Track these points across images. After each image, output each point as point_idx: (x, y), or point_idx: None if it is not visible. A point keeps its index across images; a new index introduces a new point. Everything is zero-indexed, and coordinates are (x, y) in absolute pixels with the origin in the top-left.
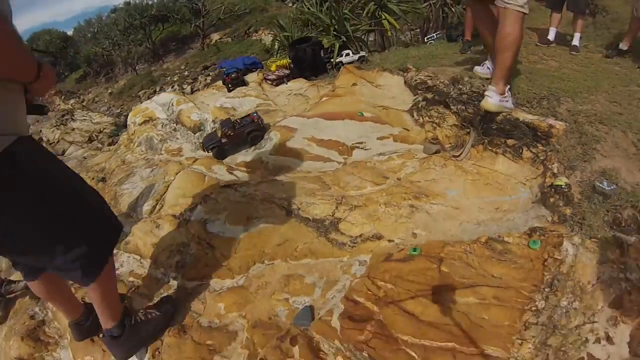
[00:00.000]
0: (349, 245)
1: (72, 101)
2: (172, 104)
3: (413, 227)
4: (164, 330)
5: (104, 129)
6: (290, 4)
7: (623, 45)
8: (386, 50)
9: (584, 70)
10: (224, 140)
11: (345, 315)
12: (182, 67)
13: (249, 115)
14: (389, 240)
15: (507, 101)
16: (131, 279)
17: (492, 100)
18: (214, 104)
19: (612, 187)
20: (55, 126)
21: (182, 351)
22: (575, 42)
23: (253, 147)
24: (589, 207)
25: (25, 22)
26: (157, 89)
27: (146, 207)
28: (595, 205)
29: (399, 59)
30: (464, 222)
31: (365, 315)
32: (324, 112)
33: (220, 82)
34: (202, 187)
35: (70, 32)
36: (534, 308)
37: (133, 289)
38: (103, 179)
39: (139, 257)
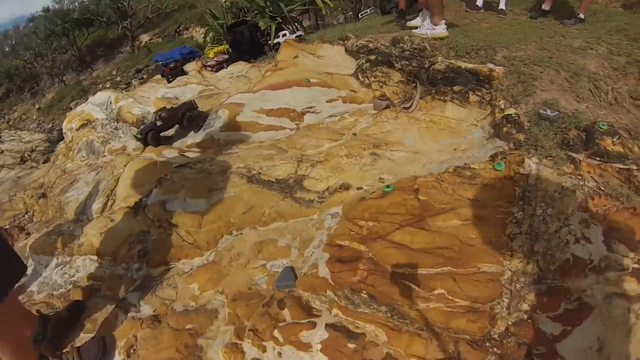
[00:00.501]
0: (317, 202)
1: None
2: (111, 102)
3: (379, 173)
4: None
5: (37, 147)
6: None
7: (545, 6)
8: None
9: (513, 28)
10: (158, 124)
11: (334, 259)
12: (114, 72)
13: (184, 103)
14: (358, 188)
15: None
16: (90, 282)
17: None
18: (155, 96)
19: (555, 113)
20: None
21: (160, 342)
22: (502, 6)
23: (203, 129)
24: (539, 131)
25: None
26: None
27: (96, 206)
28: (544, 130)
29: (337, 33)
30: (427, 163)
31: (354, 255)
32: (269, 84)
33: (158, 76)
34: (155, 172)
35: None
36: (514, 220)
37: (95, 292)
38: (43, 195)
39: (95, 258)
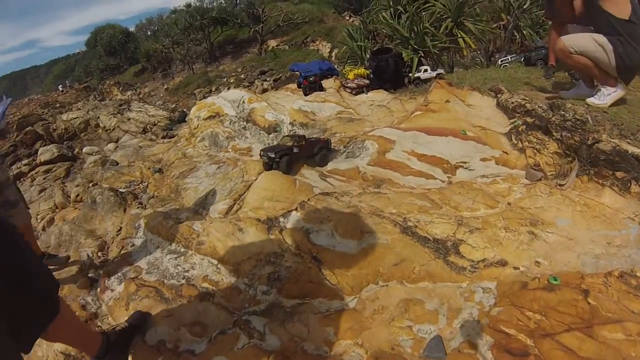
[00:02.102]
0: (469, 270)
1: (129, 93)
2: (244, 102)
3: (535, 255)
4: (136, 335)
5: (159, 122)
6: (347, 17)
7: None
8: (454, 70)
9: None
10: (295, 150)
11: (502, 348)
12: (239, 69)
13: (310, 138)
14: (514, 268)
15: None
16: (205, 285)
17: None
18: (291, 106)
19: None
20: (112, 114)
21: None
22: None
23: (345, 156)
24: None
25: (88, 17)
26: (213, 89)
27: (221, 206)
28: None
29: (479, 79)
30: (581, 254)
31: (522, 349)
32: (423, 127)
33: (292, 85)
34: (293, 192)
35: (132, 29)
36: None
37: (209, 296)
38: (160, 170)
39: (215, 262)
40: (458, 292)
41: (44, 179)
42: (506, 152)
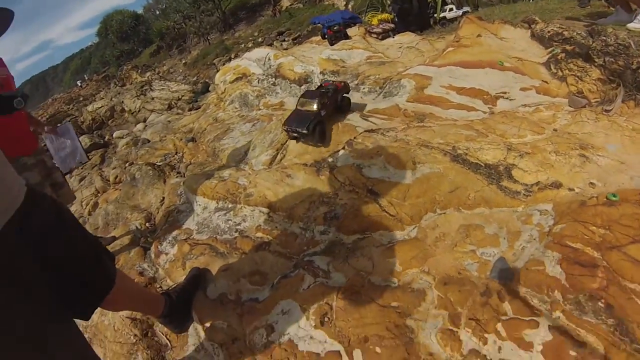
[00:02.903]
0: (523, 194)
1: (148, 74)
2: (269, 59)
3: (588, 177)
4: (196, 291)
5: (182, 96)
6: None
7: None
8: (479, 8)
9: None
10: (323, 113)
11: (571, 261)
12: (255, 34)
13: (321, 85)
14: (569, 189)
15: None
16: (259, 234)
17: None
18: (319, 56)
19: None
20: (135, 97)
21: (364, 316)
22: None
23: (383, 96)
24: None
25: (94, 9)
26: (232, 56)
27: (264, 157)
28: None
29: (508, 13)
30: (634, 176)
31: (591, 261)
32: (458, 61)
33: (316, 38)
34: (337, 133)
35: (140, 11)
36: None
37: (264, 245)
38: (193, 139)
39: (266, 210)
40: (515, 216)
41: (81, 168)
42: (546, 82)
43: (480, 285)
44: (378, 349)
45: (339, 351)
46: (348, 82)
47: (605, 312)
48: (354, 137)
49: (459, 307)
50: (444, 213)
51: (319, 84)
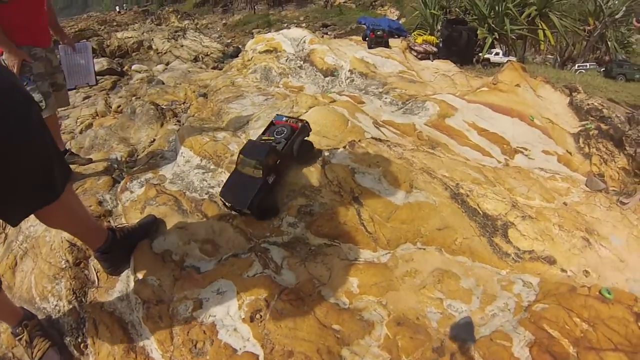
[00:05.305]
0: (512, 258)
1: (186, 22)
2: (305, 41)
3: (585, 264)
4: (144, 238)
5: (211, 53)
6: None
7: None
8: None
9: None
10: (271, 180)
11: (543, 348)
12: (301, 18)
13: (272, 122)
14: (562, 269)
15: None
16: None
17: None
18: (353, 54)
19: None
20: (166, 39)
21: (299, 328)
22: None
23: (402, 112)
24: None
25: None
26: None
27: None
28: None
29: (552, 76)
30: (630, 279)
31: (564, 355)
32: (489, 103)
33: (355, 37)
34: (343, 131)
35: None
36: None
37: (228, 218)
38: (204, 95)
39: None
40: (495, 279)
41: (89, 88)
42: (570, 153)
43: (435, 339)
44: None
45: (258, 356)
46: (373, 89)
47: None
48: (359, 140)
49: (404, 356)
50: (424, 249)
51: (270, 121)
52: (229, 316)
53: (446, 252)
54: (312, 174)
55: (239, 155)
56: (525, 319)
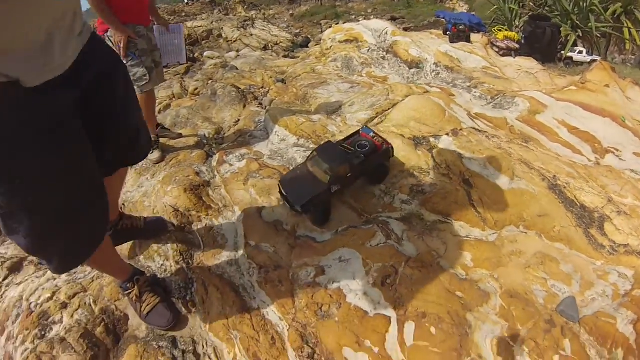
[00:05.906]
0: (608, 251)
1: (253, 12)
2: (387, 33)
3: None
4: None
5: (280, 42)
6: None
7: None
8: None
9: None
10: (334, 189)
11: None
12: (369, 10)
13: (358, 132)
14: None
15: None
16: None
17: None
18: (437, 47)
19: None
20: (236, 27)
21: (428, 292)
22: None
23: (492, 106)
24: None
25: None
26: (340, 23)
27: (362, 115)
28: None
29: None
30: None
31: None
32: (579, 102)
33: (435, 31)
34: (442, 120)
35: None
36: None
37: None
38: (282, 81)
39: None
40: (591, 268)
41: (165, 72)
42: None
43: (544, 313)
44: (433, 330)
45: (390, 317)
46: (460, 83)
47: None
48: (460, 129)
49: (519, 324)
50: (526, 233)
51: (356, 130)
52: (356, 281)
53: (545, 238)
54: (421, 157)
55: (313, 151)
56: (626, 302)
